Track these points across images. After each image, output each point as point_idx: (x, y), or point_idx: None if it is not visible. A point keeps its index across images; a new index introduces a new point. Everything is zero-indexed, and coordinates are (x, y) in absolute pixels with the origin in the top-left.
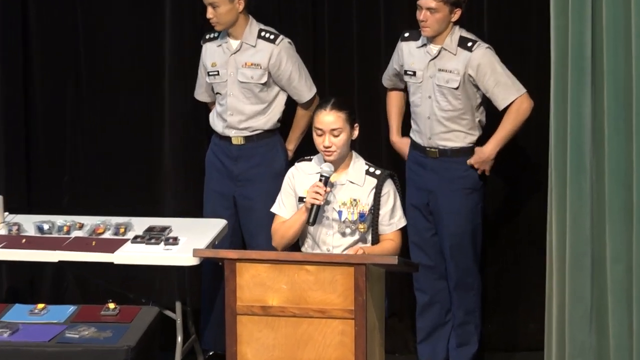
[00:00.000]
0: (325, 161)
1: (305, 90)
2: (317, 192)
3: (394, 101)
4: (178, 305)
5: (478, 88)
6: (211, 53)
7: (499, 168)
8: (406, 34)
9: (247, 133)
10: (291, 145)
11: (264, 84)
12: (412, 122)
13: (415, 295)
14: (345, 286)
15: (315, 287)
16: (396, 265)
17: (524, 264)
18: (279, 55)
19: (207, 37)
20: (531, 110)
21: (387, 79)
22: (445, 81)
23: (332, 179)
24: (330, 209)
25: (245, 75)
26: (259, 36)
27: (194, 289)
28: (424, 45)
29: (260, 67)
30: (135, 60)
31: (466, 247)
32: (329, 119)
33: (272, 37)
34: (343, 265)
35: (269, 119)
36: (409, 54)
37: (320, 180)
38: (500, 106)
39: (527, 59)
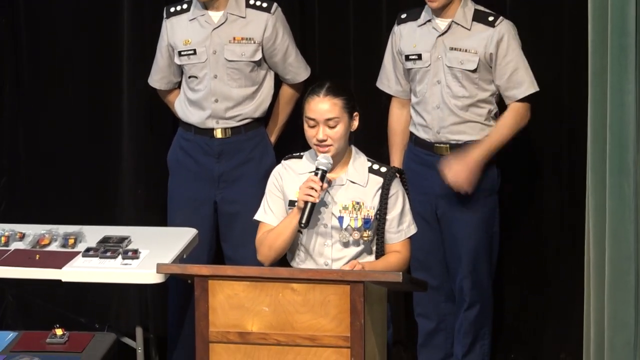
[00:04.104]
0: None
1: (302, 67)
2: (312, 188)
3: (397, 128)
4: (139, 331)
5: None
6: (182, 29)
7: (521, 166)
8: (403, 15)
9: (234, 123)
10: (272, 138)
11: (257, 62)
12: (412, 113)
13: (417, 323)
14: (340, 308)
15: (304, 310)
16: (400, 284)
17: (554, 283)
18: (275, 26)
19: (173, 10)
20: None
21: (384, 83)
22: (459, 62)
23: (329, 177)
24: (329, 214)
25: (234, 53)
26: (248, 5)
27: (158, 312)
28: (429, 21)
29: (254, 42)
30: (86, 41)
31: (481, 261)
32: (323, 107)
33: (265, 4)
34: (337, 283)
35: (259, 104)
36: (409, 35)
37: (316, 174)
38: (512, 98)
39: (558, 36)
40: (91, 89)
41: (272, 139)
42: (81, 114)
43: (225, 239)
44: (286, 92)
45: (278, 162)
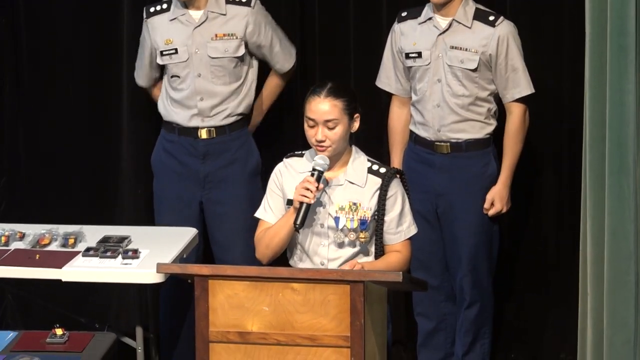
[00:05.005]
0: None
1: (288, 55)
2: (307, 189)
3: (397, 127)
4: (139, 330)
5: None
6: (162, 29)
7: (521, 166)
8: (403, 13)
9: (219, 121)
10: (250, 126)
11: (240, 58)
12: (413, 112)
13: (417, 322)
14: (340, 308)
15: (304, 309)
16: (400, 283)
17: (554, 283)
18: (256, 20)
19: (153, 10)
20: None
21: (384, 81)
22: (459, 61)
23: (327, 177)
24: (325, 214)
25: (217, 49)
26: (228, 1)
27: (158, 311)
28: (429, 19)
29: (236, 37)
30: (86, 41)
31: (481, 260)
32: (323, 107)
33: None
34: (337, 283)
35: (242, 99)
36: (409, 33)
37: (312, 175)
38: (509, 98)
39: (558, 36)
40: (91, 89)
41: (250, 127)
42: (81, 114)
43: (214, 240)
44: (272, 81)
45: (263, 161)
